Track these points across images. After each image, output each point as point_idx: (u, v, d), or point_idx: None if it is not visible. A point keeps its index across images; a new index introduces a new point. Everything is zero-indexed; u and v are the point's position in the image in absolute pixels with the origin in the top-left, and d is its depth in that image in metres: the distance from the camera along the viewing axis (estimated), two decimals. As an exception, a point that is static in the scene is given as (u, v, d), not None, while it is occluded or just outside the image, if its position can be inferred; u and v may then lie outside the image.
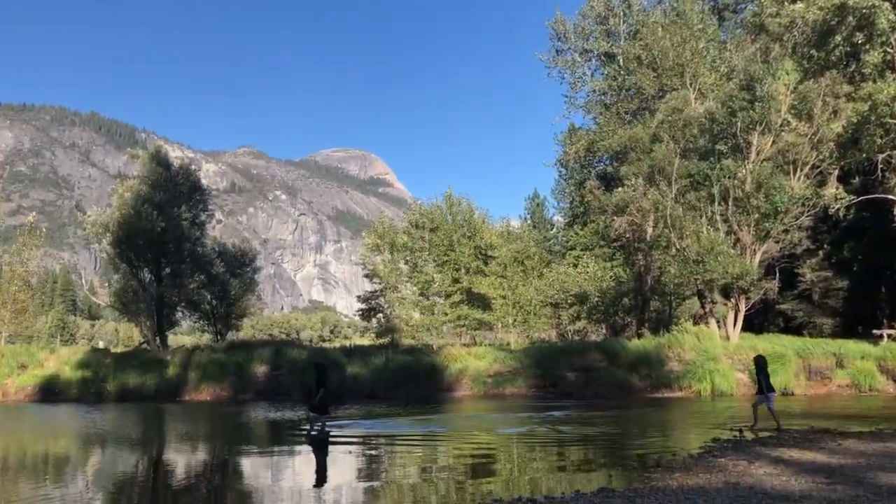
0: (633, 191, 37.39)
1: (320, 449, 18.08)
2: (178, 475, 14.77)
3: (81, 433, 22.85)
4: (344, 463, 15.71)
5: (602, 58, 50.77)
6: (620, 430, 19.74)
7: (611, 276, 47.99)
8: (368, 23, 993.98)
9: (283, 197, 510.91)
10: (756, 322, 40.54)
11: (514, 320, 52.87)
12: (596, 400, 29.24)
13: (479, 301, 53.40)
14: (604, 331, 50.81)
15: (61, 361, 39.35)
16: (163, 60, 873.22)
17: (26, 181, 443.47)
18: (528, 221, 68.16)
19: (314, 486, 12.77)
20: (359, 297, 59.79)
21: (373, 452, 17.07)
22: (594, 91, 50.64)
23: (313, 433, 20.27)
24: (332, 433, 20.03)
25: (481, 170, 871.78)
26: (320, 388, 21.82)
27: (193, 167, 63.03)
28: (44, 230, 65.45)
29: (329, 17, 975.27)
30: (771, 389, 17.79)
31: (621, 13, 49.39)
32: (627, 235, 40.89)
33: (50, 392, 36.35)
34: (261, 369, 37.33)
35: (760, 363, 18.09)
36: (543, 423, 21.35)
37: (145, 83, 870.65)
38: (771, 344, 31.86)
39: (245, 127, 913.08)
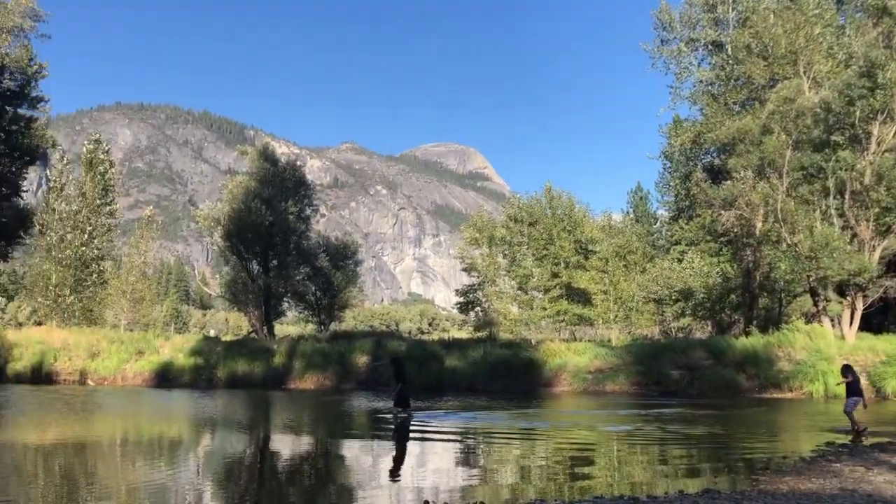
0: (742, 184, 36.07)
1: (402, 439, 18.38)
2: (283, 460, 15.25)
3: (193, 418, 23.89)
4: (442, 456, 15.83)
5: (709, 47, 49.09)
6: (726, 431, 19.10)
7: (717, 272, 46.51)
8: (464, 21, 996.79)
9: (384, 191, 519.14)
10: (875, 322, 38.35)
11: (616, 316, 52.00)
12: (700, 399, 28.42)
13: (579, 296, 52.75)
14: (709, 328, 49.32)
15: (175, 349, 41.25)
16: (269, 60, 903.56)
17: (143, 177, 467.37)
18: (631, 215, 66.81)
19: (401, 476, 12.91)
20: (457, 290, 60.04)
21: (471, 446, 17.13)
22: (701, 81, 49.04)
23: (397, 422, 20.80)
24: (415, 424, 20.33)
25: (581, 163, 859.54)
26: (398, 382, 22.35)
27: (299, 163, 64.78)
28: (159, 223, 68.93)
29: (425, 16, 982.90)
30: (851, 394, 16.90)
31: (730, 0, 47.63)
32: (735, 230, 39.45)
33: (164, 378, 38.20)
34: (362, 359, 38.09)
35: (845, 370, 17.42)
36: (645, 421, 20.92)
37: (253, 82, 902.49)
38: (892, 345, 30.14)
39: (348, 123, 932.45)
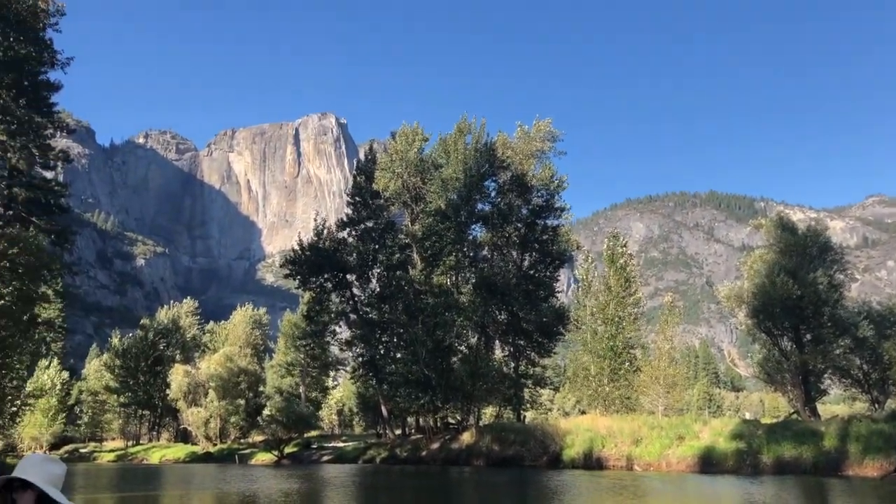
0: None
1: None
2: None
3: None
4: None
5: None
6: None
7: None
8: None
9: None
10: None
11: None
12: None
13: None
14: None
15: (714, 433, 40.25)
16: (768, 130, 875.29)
17: (659, 265, 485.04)
18: None
19: None
20: None
21: None
22: None
23: None
24: None
25: None
26: None
27: (819, 227, 60.06)
28: (680, 308, 69.67)
29: None
30: None
31: None
32: None
33: (707, 463, 37.38)
34: (937, 443, 32.30)
35: None
36: None
37: (759, 155, 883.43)
38: None
39: (870, 175, 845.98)
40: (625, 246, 67.66)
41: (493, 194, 64.17)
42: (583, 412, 64.50)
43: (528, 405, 66.34)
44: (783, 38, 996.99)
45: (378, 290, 66.07)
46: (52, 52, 40.05)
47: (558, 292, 66.84)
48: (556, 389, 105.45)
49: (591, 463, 41.29)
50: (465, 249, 62.28)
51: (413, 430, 65.91)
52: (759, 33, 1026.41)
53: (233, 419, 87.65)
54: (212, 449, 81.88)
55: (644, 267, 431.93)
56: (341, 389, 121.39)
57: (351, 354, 74.03)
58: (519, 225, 62.91)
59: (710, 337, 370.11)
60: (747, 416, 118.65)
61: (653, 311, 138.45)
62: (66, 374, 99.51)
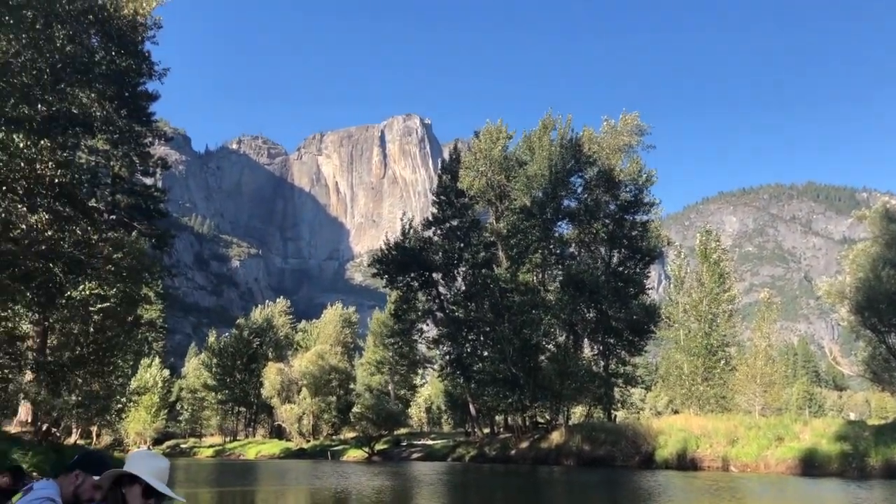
0: None
1: None
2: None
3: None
4: None
5: None
6: None
7: None
8: None
9: None
10: None
11: None
12: None
13: None
14: None
15: (816, 434, 38.64)
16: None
17: (754, 259, 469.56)
18: None
19: None
20: None
21: None
22: None
23: None
24: None
25: None
26: None
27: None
28: (778, 304, 67.10)
29: None
30: None
31: None
32: None
33: (809, 465, 35.90)
34: None
35: None
36: None
37: (860, 143, 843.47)
38: None
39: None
40: (718, 240, 65.64)
41: (579, 190, 63.30)
42: (676, 412, 62.80)
43: (619, 404, 65.19)
44: (881, 19, 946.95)
45: (464, 288, 66.26)
46: (150, 63, 41.61)
47: (649, 289, 65.41)
48: (648, 388, 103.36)
49: (685, 463, 40.27)
50: (552, 247, 61.67)
51: (501, 429, 65.77)
52: (854, 18, 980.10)
53: (325, 416, 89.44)
54: (305, 445, 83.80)
55: (738, 262, 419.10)
56: (429, 387, 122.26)
57: (438, 352, 74.50)
58: (607, 221, 61.80)
59: (809, 334, 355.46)
60: (852, 416, 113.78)
61: (748, 307, 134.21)
62: (167, 373, 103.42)
